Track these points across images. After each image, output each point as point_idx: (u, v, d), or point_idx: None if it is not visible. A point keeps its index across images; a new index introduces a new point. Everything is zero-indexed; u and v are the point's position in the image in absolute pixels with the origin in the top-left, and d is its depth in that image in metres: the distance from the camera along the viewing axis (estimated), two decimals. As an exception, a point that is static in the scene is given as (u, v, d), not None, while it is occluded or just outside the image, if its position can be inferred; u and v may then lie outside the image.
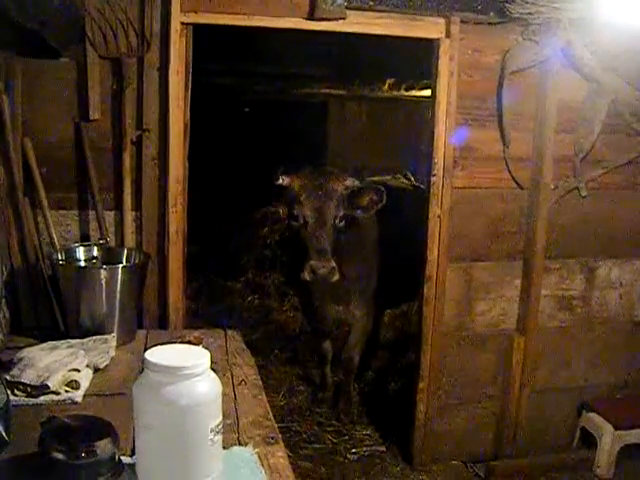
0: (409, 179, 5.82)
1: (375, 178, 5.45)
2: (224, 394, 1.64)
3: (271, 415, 2.19)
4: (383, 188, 3.91)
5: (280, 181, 3.83)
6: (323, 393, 4.71)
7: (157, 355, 1.57)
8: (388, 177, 5.62)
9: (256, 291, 6.74)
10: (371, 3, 3.32)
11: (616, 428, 3.87)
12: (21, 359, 2.28)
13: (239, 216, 7.69)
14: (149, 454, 1.57)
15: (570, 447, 4.12)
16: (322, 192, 3.79)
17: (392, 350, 5.39)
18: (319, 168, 4.07)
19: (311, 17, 3.24)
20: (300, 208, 3.75)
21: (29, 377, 2.16)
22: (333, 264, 3.62)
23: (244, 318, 6.07)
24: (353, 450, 4.09)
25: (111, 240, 3.19)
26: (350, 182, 3.91)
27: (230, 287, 6.83)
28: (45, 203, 3.06)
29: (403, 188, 5.31)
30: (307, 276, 3.63)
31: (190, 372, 1.53)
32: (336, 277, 3.66)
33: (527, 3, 3.44)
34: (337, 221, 3.79)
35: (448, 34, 3.46)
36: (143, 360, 1.56)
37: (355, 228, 4.01)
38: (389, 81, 7.02)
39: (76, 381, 2.22)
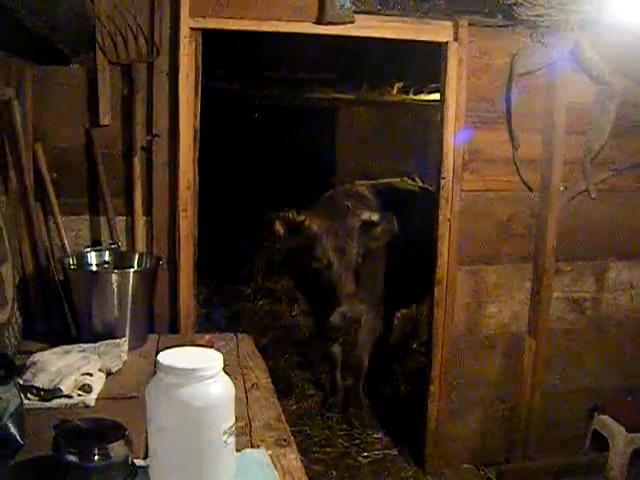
0: (416, 182, 5.83)
1: (383, 180, 5.48)
2: (236, 397, 1.64)
3: (283, 418, 2.19)
4: (394, 217, 3.89)
5: (300, 219, 3.75)
6: (334, 398, 4.71)
7: (170, 357, 1.57)
8: (396, 179, 5.63)
9: (266, 296, 6.75)
10: (379, 7, 3.33)
11: (628, 430, 3.84)
12: (34, 363, 2.28)
13: (248, 221, 7.71)
14: (162, 456, 1.58)
15: (582, 450, 4.10)
16: (342, 231, 3.75)
17: (402, 353, 5.39)
18: (334, 197, 3.99)
19: (319, 21, 3.26)
20: (323, 250, 3.71)
21: (42, 381, 2.16)
22: (362, 307, 3.62)
23: (254, 323, 6.09)
24: (365, 454, 4.09)
25: (122, 245, 3.20)
26: (366, 215, 3.88)
27: (240, 292, 6.85)
28: (56, 208, 3.08)
29: (412, 190, 5.32)
30: (337, 322, 3.63)
31: (203, 374, 1.53)
32: (364, 317, 3.66)
33: (535, 5, 3.45)
34: (358, 258, 3.78)
35: (456, 37, 3.46)
36: (156, 363, 1.56)
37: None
38: (398, 85, 7.03)
39: (89, 385, 2.22)
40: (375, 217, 3.90)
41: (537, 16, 3.48)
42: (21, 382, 2.13)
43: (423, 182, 5.83)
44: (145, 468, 1.64)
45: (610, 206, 3.89)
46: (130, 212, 3.23)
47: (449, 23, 3.46)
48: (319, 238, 3.73)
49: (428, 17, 3.42)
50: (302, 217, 3.77)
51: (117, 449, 1.59)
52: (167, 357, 1.57)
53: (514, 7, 3.45)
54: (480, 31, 3.51)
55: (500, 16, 3.50)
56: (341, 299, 3.60)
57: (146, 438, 1.68)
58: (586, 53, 3.61)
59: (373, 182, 5.34)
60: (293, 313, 6.37)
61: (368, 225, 3.86)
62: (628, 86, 3.74)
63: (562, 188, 3.76)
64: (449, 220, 3.62)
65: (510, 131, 3.65)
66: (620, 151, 3.84)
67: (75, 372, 2.23)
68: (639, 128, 3.84)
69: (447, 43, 3.48)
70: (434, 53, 3.59)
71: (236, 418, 1.64)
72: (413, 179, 5.89)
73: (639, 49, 3.65)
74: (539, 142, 3.73)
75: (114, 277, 2.74)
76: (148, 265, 3.04)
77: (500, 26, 3.53)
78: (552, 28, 3.53)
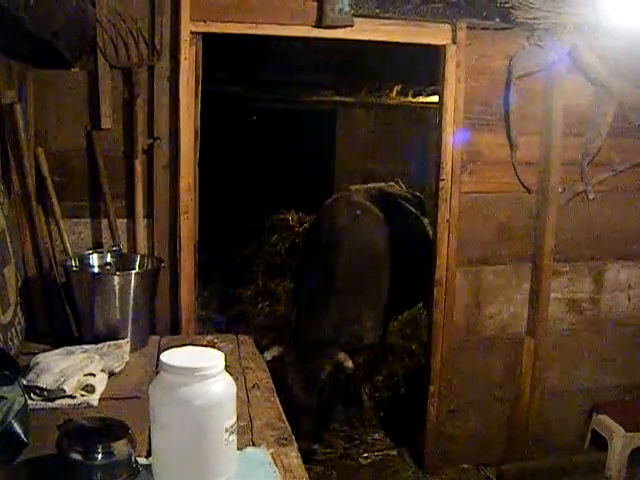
0: (400, 186, 5.86)
1: (371, 185, 5.51)
2: (237, 397, 1.65)
3: (284, 417, 2.21)
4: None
5: (267, 357, 3.64)
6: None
7: (173, 357, 1.59)
8: (383, 184, 5.66)
9: (266, 298, 6.76)
10: (378, 10, 3.35)
11: (627, 430, 3.86)
12: (37, 364, 2.30)
13: (249, 223, 7.73)
14: (165, 454, 1.59)
15: (581, 449, 4.12)
16: (309, 372, 3.74)
17: (402, 354, 5.40)
18: (312, 339, 3.91)
19: (319, 25, 3.28)
20: (290, 383, 3.73)
21: (45, 381, 2.18)
22: (313, 447, 3.74)
23: (255, 325, 6.09)
24: (365, 454, 4.12)
25: (123, 247, 3.22)
26: (342, 357, 3.83)
27: (240, 294, 6.85)
28: (58, 211, 3.09)
29: (403, 195, 5.33)
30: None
31: (205, 373, 1.55)
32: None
33: (532, 8, 3.47)
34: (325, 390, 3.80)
35: (454, 40, 3.49)
36: (159, 362, 1.58)
37: (370, 260, 4.09)
38: (397, 88, 7.05)
39: (92, 385, 2.24)
40: (349, 365, 3.82)
41: (534, 19, 3.50)
42: (25, 382, 2.15)
43: (406, 187, 5.88)
44: (148, 466, 1.66)
45: (608, 207, 3.91)
46: (131, 214, 3.24)
47: (447, 26, 3.49)
48: (286, 371, 3.76)
49: (426, 20, 3.44)
50: (277, 350, 3.77)
51: (120, 447, 1.60)
52: (170, 356, 1.59)
53: (512, 10, 3.47)
54: (478, 34, 3.54)
55: (498, 19, 3.52)
56: (299, 430, 3.62)
57: (149, 436, 1.69)
58: (583, 55, 3.63)
59: (366, 187, 5.37)
60: (294, 315, 6.37)
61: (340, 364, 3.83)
62: (625, 88, 3.77)
63: (560, 189, 3.78)
64: (448, 221, 3.64)
65: (508, 133, 3.67)
66: (618, 152, 3.87)
67: (78, 373, 2.25)
68: (636, 129, 3.86)
69: (445, 46, 3.50)
70: (433, 56, 3.61)
71: (237, 417, 1.65)
72: (397, 183, 5.93)
73: (635, 51, 3.67)
74: (537, 144, 3.75)
75: (116, 279, 2.76)
76: (149, 267, 3.05)
77: (498, 29, 3.56)
78: (549, 31, 3.56)
